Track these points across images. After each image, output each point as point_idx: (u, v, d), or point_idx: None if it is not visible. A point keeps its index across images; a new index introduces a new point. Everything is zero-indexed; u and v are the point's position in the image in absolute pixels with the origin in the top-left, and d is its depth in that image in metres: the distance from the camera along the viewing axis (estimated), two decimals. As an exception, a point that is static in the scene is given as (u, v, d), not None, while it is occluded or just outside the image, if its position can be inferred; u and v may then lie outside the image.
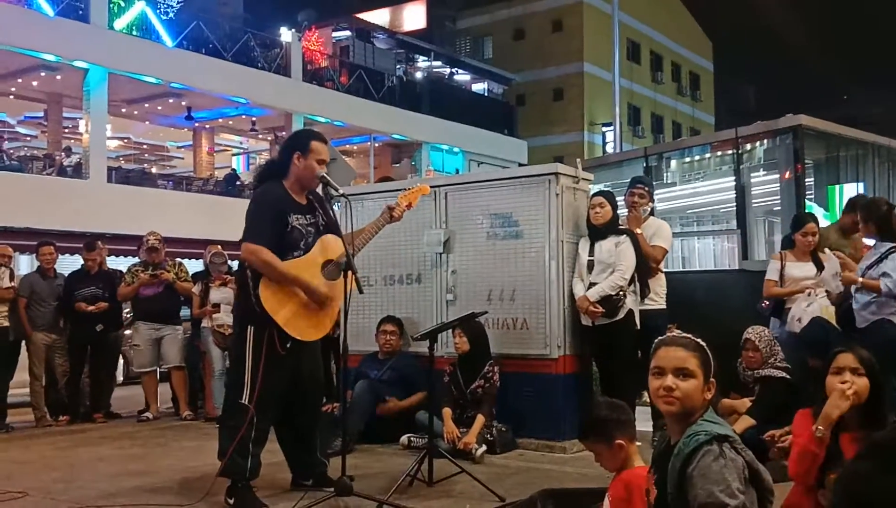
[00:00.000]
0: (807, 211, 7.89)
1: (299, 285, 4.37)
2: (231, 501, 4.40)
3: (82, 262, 8.48)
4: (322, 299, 4.44)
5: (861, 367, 3.09)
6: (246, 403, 4.37)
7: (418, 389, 6.21)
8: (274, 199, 4.52)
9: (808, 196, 9.51)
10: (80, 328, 8.14)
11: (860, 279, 5.42)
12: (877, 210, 5.60)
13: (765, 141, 9.97)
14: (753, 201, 10.00)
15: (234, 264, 7.30)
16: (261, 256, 4.34)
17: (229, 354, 6.73)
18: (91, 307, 8.06)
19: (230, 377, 4.74)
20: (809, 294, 5.92)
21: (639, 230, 6.22)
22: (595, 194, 6.26)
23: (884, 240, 5.49)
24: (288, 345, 4.38)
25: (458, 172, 26.16)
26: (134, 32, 19.02)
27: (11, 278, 7.87)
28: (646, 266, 6.07)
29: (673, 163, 11.51)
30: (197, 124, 22.95)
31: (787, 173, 9.21)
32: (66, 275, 8.39)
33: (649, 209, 6.62)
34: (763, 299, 6.38)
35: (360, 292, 4.41)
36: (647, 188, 6.60)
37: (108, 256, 9.15)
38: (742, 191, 9.77)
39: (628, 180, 6.94)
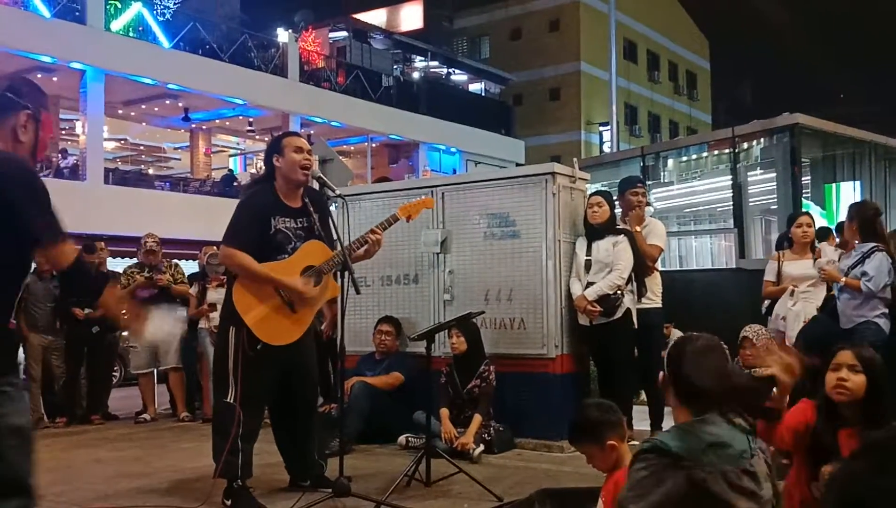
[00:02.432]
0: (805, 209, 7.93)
1: (273, 282, 4.37)
2: (228, 503, 4.40)
3: None
4: (297, 294, 4.40)
5: (858, 364, 3.08)
6: (231, 402, 4.38)
7: (415, 389, 6.20)
8: (256, 202, 4.54)
9: (804, 194, 9.53)
10: (75, 329, 8.09)
11: (843, 279, 5.46)
12: (864, 212, 5.70)
13: (762, 140, 9.99)
14: (750, 199, 10.02)
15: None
16: (234, 259, 4.40)
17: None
18: (85, 312, 7.95)
19: (215, 377, 4.74)
20: (793, 293, 5.95)
21: (638, 228, 6.23)
22: (593, 194, 6.27)
23: (864, 241, 5.55)
24: (258, 347, 4.38)
25: (455, 172, 26.16)
26: (130, 34, 19.00)
27: None
28: (643, 265, 6.08)
29: (670, 162, 11.53)
30: (194, 125, 22.93)
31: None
32: (59, 276, 8.34)
33: (653, 209, 6.66)
34: (763, 299, 6.41)
35: (357, 292, 4.40)
36: (644, 187, 6.65)
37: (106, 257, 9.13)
38: (739, 190, 9.79)
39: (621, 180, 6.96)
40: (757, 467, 2.38)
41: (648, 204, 7.21)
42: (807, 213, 6.61)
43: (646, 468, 2.34)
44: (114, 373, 9.24)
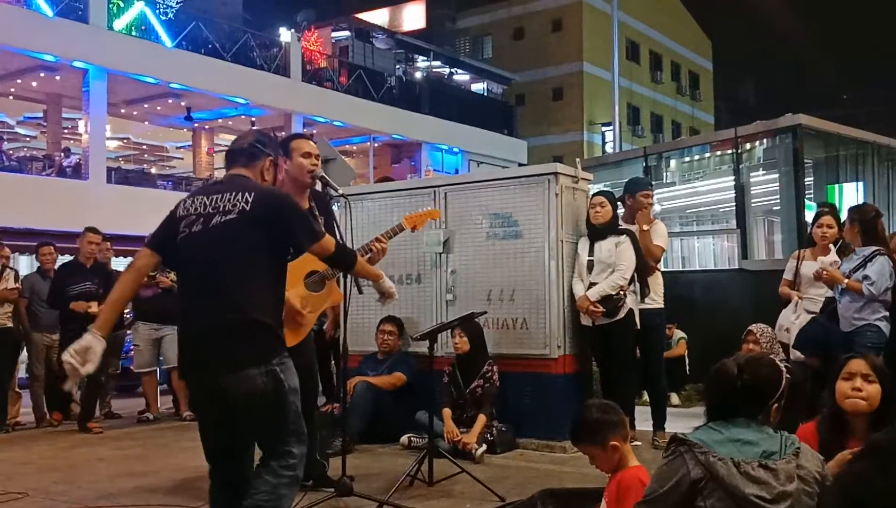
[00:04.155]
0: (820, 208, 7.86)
1: None
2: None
3: (73, 255, 8.24)
4: (289, 311, 4.38)
5: (873, 374, 3.03)
6: None
7: (416, 389, 6.21)
8: None
9: (807, 195, 9.51)
10: (71, 326, 7.32)
11: (846, 281, 5.45)
12: (865, 214, 5.67)
13: (764, 140, 9.98)
14: (753, 200, 10.00)
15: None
16: None
17: None
18: (85, 309, 7.45)
19: None
20: (797, 305, 5.90)
21: (646, 227, 6.23)
22: (595, 194, 6.26)
23: (866, 244, 5.54)
24: None
25: (457, 171, 26.15)
26: (133, 33, 19.00)
27: (16, 279, 7.84)
28: (646, 266, 6.08)
29: (672, 162, 11.51)
30: (196, 125, 22.94)
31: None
32: (56, 268, 8.01)
33: (659, 209, 6.66)
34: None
35: (360, 292, 4.41)
36: (653, 190, 6.69)
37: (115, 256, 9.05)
38: (741, 190, 9.77)
39: (626, 180, 6.96)
40: (780, 466, 2.41)
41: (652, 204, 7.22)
42: (829, 212, 6.52)
43: (666, 457, 2.49)
44: (116, 372, 9.16)
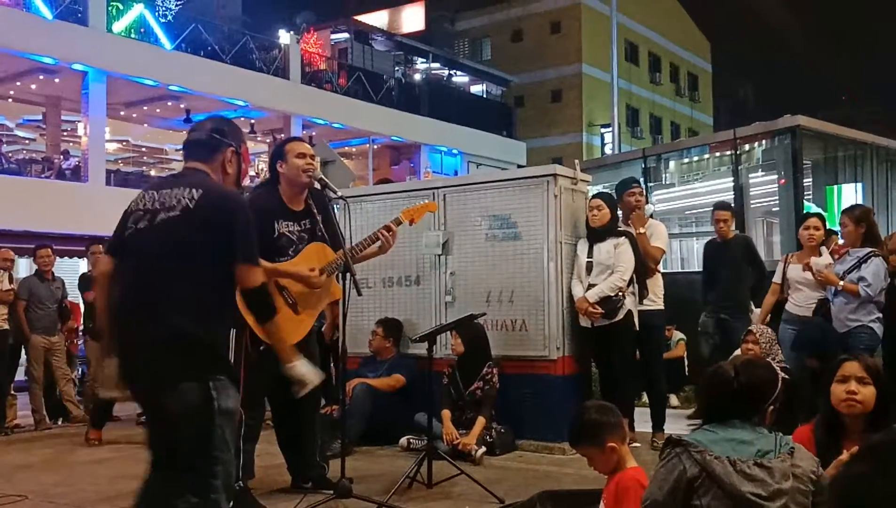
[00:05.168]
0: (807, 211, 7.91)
1: (277, 273, 4.34)
2: (230, 504, 4.39)
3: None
4: (303, 279, 4.39)
5: (867, 376, 3.02)
6: None
7: (416, 391, 6.20)
8: (260, 206, 4.50)
9: (806, 197, 9.52)
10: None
11: (841, 283, 5.46)
12: (868, 216, 5.76)
13: (763, 142, 9.98)
14: (752, 201, 10.01)
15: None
16: None
17: None
18: None
19: None
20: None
21: (642, 229, 6.23)
22: (594, 197, 6.27)
23: (864, 245, 5.55)
24: (261, 347, 4.37)
25: (456, 173, 26.15)
26: (132, 35, 19.01)
27: (11, 280, 7.84)
28: (644, 267, 6.08)
29: (671, 164, 11.51)
30: (195, 127, 22.91)
31: (783, 181, 9.25)
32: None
33: (652, 208, 6.65)
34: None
35: (359, 293, 4.41)
36: (640, 186, 6.67)
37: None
38: (740, 192, 9.78)
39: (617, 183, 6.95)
40: (775, 465, 2.43)
41: (647, 202, 7.21)
42: (816, 215, 6.53)
43: (663, 460, 2.52)
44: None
